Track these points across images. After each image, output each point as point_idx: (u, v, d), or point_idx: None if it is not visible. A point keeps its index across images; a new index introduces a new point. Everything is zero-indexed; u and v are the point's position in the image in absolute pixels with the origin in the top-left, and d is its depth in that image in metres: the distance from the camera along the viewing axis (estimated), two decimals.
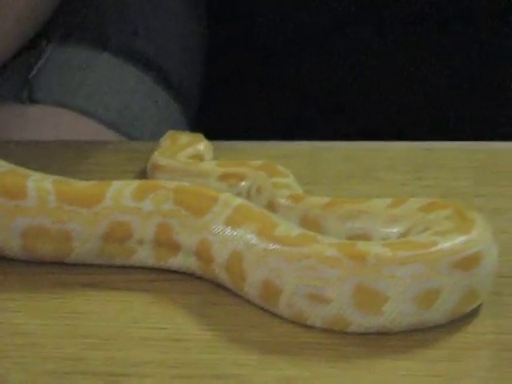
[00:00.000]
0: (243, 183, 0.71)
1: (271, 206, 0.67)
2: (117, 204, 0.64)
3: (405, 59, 1.32)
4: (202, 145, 0.80)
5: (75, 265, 0.66)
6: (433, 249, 0.58)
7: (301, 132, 1.09)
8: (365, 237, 0.64)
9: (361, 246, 0.59)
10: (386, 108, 1.27)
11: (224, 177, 0.72)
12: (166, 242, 0.64)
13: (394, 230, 0.64)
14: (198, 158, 0.79)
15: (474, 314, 0.60)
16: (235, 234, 0.61)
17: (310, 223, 0.64)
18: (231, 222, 0.62)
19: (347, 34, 1.26)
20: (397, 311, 0.58)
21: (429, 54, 1.34)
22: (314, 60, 1.23)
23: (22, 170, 0.67)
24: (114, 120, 1.00)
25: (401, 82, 1.30)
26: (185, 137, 0.81)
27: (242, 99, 1.20)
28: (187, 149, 0.79)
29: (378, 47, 1.32)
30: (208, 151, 0.81)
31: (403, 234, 0.63)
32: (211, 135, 0.95)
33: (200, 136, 0.81)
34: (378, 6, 1.31)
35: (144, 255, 0.65)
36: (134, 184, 0.66)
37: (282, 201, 0.67)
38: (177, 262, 0.64)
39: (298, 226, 0.63)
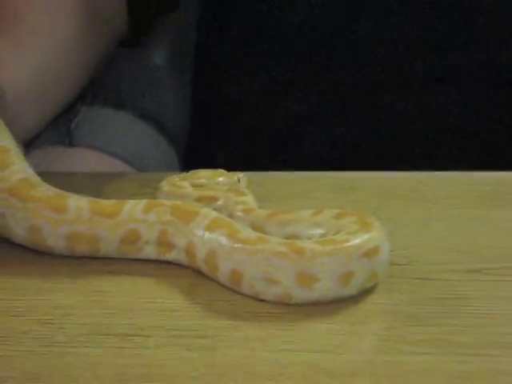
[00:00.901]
0: (217, 203, 0.71)
1: (232, 217, 0.67)
2: (130, 216, 0.65)
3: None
4: (221, 178, 0.77)
5: (101, 258, 0.66)
6: (347, 244, 0.60)
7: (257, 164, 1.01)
8: (295, 237, 0.64)
9: (299, 243, 0.60)
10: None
11: (199, 199, 0.71)
12: (164, 243, 0.65)
13: (316, 232, 0.65)
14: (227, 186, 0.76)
15: (374, 289, 0.61)
16: (211, 237, 0.62)
17: (257, 229, 0.64)
18: (208, 228, 0.62)
19: (320, 82, 1.12)
20: (325, 288, 0.59)
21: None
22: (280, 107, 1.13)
23: (64, 193, 0.67)
24: (129, 158, 0.99)
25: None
26: (205, 172, 0.78)
27: (218, 140, 1.14)
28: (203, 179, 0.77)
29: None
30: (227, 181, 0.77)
31: (323, 235, 0.64)
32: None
33: (221, 171, 0.78)
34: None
35: (149, 252, 0.66)
36: (143, 202, 0.66)
37: (238, 213, 0.68)
38: (172, 256, 0.65)
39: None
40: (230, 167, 0.80)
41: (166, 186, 0.74)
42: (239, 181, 0.75)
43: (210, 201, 0.71)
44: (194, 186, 0.74)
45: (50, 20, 0.93)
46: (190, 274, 0.64)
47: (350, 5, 1.08)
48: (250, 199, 0.71)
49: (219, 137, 1.12)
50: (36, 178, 0.68)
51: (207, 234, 0.62)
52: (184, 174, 0.78)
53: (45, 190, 0.67)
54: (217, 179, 0.76)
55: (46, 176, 0.69)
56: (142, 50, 1.10)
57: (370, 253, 0.60)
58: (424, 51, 1.08)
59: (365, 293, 0.60)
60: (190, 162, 1.11)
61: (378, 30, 1.08)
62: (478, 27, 1.08)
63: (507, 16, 1.07)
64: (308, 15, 1.08)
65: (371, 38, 1.08)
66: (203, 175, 0.77)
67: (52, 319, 0.58)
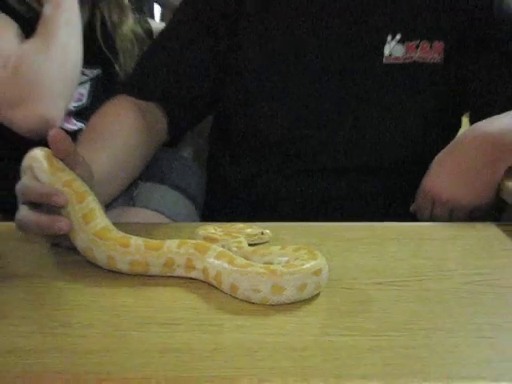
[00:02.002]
0: (218, 243, 0.68)
1: (231, 251, 0.65)
2: (169, 250, 0.64)
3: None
4: (249, 229, 0.73)
5: (150, 275, 0.65)
6: (303, 267, 0.60)
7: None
8: (270, 263, 0.63)
9: (273, 267, 0.60)
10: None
11: (205, 238, 0.69)
12: (189, 266, 0.64)
13: (283, 259, 0.65)
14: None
15: (319, 295, 0.61)
16: (218, 263, 0.62)
17: (246, 258, 0.63)
18: (216, 258, 0.62)
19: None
20: (289, 294, 0.59)
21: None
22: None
23: (128, 235, 0.66)
24: (168, 214, 0.96)
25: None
26: (240, 224, 0.75)
27: (220, 204, 1.08)
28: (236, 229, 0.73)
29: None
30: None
31: (287, 261, 0.64)
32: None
33: (250, 224, 0.75)
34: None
35: (179, 272, 0.64)
36: (177, 241, 0.65)
37: (234, 249, 0.67)
38: (194, 275, 0.64)
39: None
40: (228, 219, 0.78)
41: (200, 230, 0.71)
42: (262, 233, 0.73)
43: (212, 241, 0.68)
44: (226, 232, 0.71)
45: (119, 129, 0.91)
46: (205, 286, 0.63)
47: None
48: (243, 240, 0.69)
49: (221, 202, 1.07)
50: (112, 226, 0.67)
51: (215, 261, 0.62)
52: (225, 224, 0.75)
53: (116, 233, 0.67)
54: (246, 230, 0.73)
55: (118, 225, 0.69)
56: (175, 147, 1.08)
57: (317, 272, 0.60)
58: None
59: (313, 297, 0.61)
60: (205, 216, 1.06)
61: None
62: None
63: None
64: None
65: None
66: (238, 226, 0.74)
67: (119, 313, 0.58)
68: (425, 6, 0.99)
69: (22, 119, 0.96)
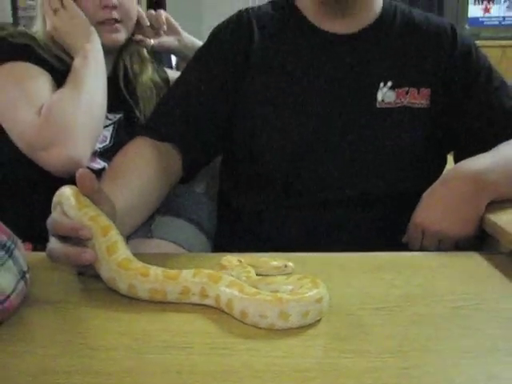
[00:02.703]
0: (228, 271, 0.68)
1: (240, 280, 0.65)
2: (185, 279, 0.64)
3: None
4: (275, 262, 0.72)
5: (168, 302, 0.65)
6: (306, 295, 0.60)
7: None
8: (276, 291, 0.63)
9: (279, 295, 0.61)
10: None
11: (221, 267, 0.69)
12: (203, 294, 0.64)
13: (288, 288, 0.64)
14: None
15: (321, 320, 0.61)
16: (228, 291, 0.62)
17: (254, 287, 0.63)
18: (227, 286, 0.62)
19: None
20: (294, 320, 0.59)
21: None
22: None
23: (148, 265, 0.66)
24: (184, 245, 0.96)
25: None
26: (266, 257, 0.73)
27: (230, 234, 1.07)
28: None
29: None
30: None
31: (292, 290, 0.63)
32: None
33: (276, 257, 0.73)
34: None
35: (194, 299, 0.64)
36: (192, 271, 0.65)
37: (243, 278, 0.66)
38: (207, 302, 0.64)
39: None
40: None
41: (222, 259, 0.71)
42: (286, 266, 0.71)
43: (222, 268, 0.69)
44: (250, 264, 0.70)
45: (139, 168, 0.92)
46: (217, 312, 0.63)
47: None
48: (251, 270, 0.69)
49: (231, 234, 1.06)
50: (133, 258, 0.68)
51: (227, 290, 0.62)
52: (250, 256, 0.74)
53: (137, 264, 0.67)
54: (271, 262, 0.72)
55: (138, 256, 0.69)
56: (189, 184, 1.08)
57: (319, 300, 0.60)
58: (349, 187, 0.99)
59: (316, 322, 0.60)
60: (217, 246, 1.06)
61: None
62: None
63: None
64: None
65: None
66: (263, 259, 0.72)
67: (139, 338, 0.58)
68: (412, 56, 1.01)
69: (53, 160, 0.97)
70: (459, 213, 0.86)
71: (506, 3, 3.45)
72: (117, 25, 1.13)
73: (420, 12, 1.08)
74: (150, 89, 1.22)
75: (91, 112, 1.02)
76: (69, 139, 0.97)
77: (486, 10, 3.46)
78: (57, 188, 0.76)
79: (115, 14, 1.12)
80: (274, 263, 0.72)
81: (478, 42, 3.08)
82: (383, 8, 1.05)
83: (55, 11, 1.10)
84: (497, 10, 3.46)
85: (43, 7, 1.12)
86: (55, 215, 0.70)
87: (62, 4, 1.10)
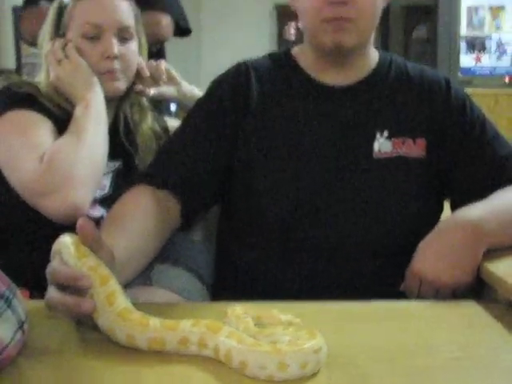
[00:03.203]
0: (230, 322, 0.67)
1: (239, 330, 0.64)
2: (183, 329, 0.64)
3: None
4: (283, 316, 0.70)
5: (166, 352, 0.65)
6: (304, 346, 0.60)
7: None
8: (274, 342, 0.63)
9: (278, 345, 0.61)
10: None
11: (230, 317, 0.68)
12: (202, 344, 0.63)
13: (286, 339, 0.63)
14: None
15: (319, 370, 0.61)
16: (228, 341, 0.61)
17: (253, 337, 0.62)
18: (227, 337, 0.62)
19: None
20: (293, 371, 0.59)
21: None
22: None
23: (147, 315, 0.66)
24: (182, 293, 0.95)
25: None
26: (275, 311, 0.71)
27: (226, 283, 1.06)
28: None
29: None
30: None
31: (290, 340, 0.63)
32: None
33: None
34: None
35: (193, 349, 0.64)
36: (191, 321, 0.65)
37: (241, 329, 0.65)
38: (206, 353, 0.63)
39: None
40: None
41: (229, 308, 0.70)
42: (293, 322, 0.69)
43: (225, 315, 0.69)
44: (258, 315, 0.69)
45: (138, 216, 0.92)
46: (216, 363, 0.62)
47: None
48: (250, 321, 0.68)
49: (229, 282, 1.05)
50: (132, 308, 0.67)
51: (226, 340, 0.62)
52: (258, 306, 0.72)
53: (136, 314, 0.66)
54: (279, 316, 0.70)
55: (137, 304, 0.69)
56: (187, 232, 1.07)
57: (317, 351, 0.60)
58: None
59: (314, 373, 0.60)
60: (215, 295, 1.04)
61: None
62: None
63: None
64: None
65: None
66: (272, 311, 0.71)
67: None
68: (408, 108, 1.03)
69: (54, 206, 0.98)
70: (456, 262, 0.87)
71: (497, 53, 3.54)
72: (117, 74, 1.16)
73: (414, 64, 1.10)
74: (149, 138, 1.24)
75: (92, 160, 1.03)
76: (70, 186, 0.98)
77: (478, 59, 3.54)
78: (55, 235, 0.76)
79: (116, 64, 1.15)
80: (282, 317, 0.70)
81: (470, 90, 3.13)
82: (379, 60, 1.07)
83: (59, 62, 1.13)
84: (487, 60, 3.53)
85: (48, 58, 1.15)
86: (55, 264, 0.71)
87: (66, 55, 1.13)
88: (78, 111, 1.08)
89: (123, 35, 1.16)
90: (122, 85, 1.17)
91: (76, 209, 0.98)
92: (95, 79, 1.13)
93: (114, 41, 1.14)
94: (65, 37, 1.15)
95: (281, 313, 0.71)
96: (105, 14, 1.14)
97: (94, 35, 1.14)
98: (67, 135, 1.04)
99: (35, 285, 0.97)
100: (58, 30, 1.17)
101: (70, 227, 0.87)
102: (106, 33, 1.14)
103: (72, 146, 1.02)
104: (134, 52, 1.19)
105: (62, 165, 0.99)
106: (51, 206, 0.98)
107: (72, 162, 0.99)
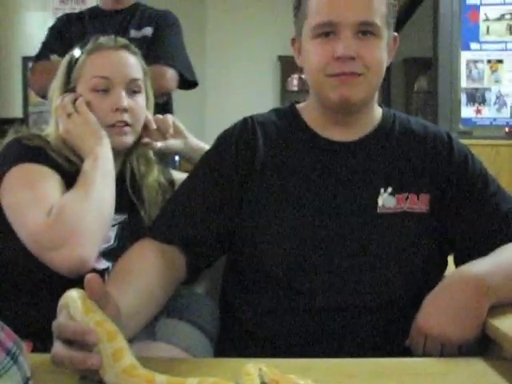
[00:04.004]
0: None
1: None
2: None
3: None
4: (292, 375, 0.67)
5: None
6: None
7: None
8: None
9: None
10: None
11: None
12: None
13: None
14: None
15: None
16: None
17: None
18: None
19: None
20: None
21: None
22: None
23: (152, 372, 0.66)
24: (188, 349, 0.95)
25: None
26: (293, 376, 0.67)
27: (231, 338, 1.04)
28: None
29: None
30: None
31: None
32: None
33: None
34: None
35: None
36: (197, 379, 0.64)
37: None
38: None
39: None
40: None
41: (246, 366, 0.67)
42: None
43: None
44: (274, 378, 0.66)
45: (143, 270, 0.93)
46: None
47: None
48: (255, 378, 0.66)
49: (233, 337, 1.04)
50: (138, 364, 0.67)
51: None
52: (275, 369, 0.68)
53: (142, 371, 0.66)
54: (297, 381, 0.66)
55: (142, 360, 0.68)
56: (191, 285, 1.08)
57: None
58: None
59: None
60: (219, 350, 1.04)
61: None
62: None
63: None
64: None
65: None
66: (289, 376, 0.67)
67: None
68: (411, 163, 1.04)
69: (62, 260, 0.98)
70: (461, 317, 0.86)
71: (496, 106, 3.59)
72: (126, 128, 1.18)
73: (417, 120, 1.12)
74: (155, 190, 1.25)
75: (100, 214, 1.04)
76: (77, 240, 0.98)
77: (478, 111, 3.58)
78: (61, 287, 0.77)
79: (125, 117, 1.17)
80: (301, 382, 0.67)
81: (471, 141, 3.14)
82: (382, 116, 1.09)
83: (69, 115, 1.15)
84: (488, 112, 3.58)
85: (57, 111, 1.17)
86: (61, 318, 0.71)
87: (76, 109, 1.15)
88: (86, 165, 1.09)
89: (132, 88, 1.19)
90: (129, 138, 1.19)
91: (82, 263, 0.98)
92: (104, 133, 1.14)
93: (124, 94, 1.17)
94: (75, 90, 1.17)
95: (299, 378, 0.67)
96: (114, 67, 1.18)
97: (104, 88, 1.16)
98: (75, 189, 1.05)
99: (39, 337, 0.98)
100: (68, 84, 1.19)
101: (75, 280, 0.89)
102: (115, 86, 1.16)
103: (80, 200, 1.03)
104: (141, 105, 1.22)
105: (69, 219, 0.99)
106: (58, 259, 0.98)
107: (79, 216, 1.00)
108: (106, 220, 1.06)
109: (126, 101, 1.16)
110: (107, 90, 1.17)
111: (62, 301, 0.74)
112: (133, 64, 1.21)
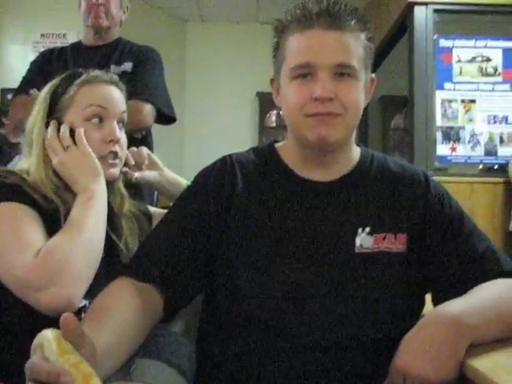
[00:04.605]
0: None
1: None
2: None
3: None
4: None
5: None
6: None
7: None
8: None
9: None
10: None
11: None
12: None
13: None
14: None
15: None
16: None
17: None
18: None
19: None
20: None
21: None
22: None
23: None
24: None
25: None
26: None
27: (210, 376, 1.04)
28: None
29: None
30: None
31: None
32: None
33: None
34: None
35: None
36: None
37: None
38: None
39: None
40: None
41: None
42: None
43: None
44: None
45: (120, 309, 0.91)
46: None
47: None
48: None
49: (210, 377, 1.03)
50: None
51: None
52: None
53: None
54: None
55: None
56: (168, 324, 1.06)
57: None
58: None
59: None
60: None
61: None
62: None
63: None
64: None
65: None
66: None
67: None
68: (389, 203, 1.06)
69: (49, 300, 0.95)
70: (439, 357, 0.86)
71: (470, 144, 3.67)
72: (116, 160, 1.18)
73: (395, 160, 1.14)
74: (131, 221, 1.24)
75: (89, 254, 1.02)
76: (66, 281, 0.96)
77: (453, 149, 3.66)
78: (35, 327, 0.75)
79: (117, 148, 1.18)
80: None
81: (446, 178, 3.20)
82: (360, 156, 1.11)
83: (66, 148, 1.13)
84: (462, 150, 3.66)
85: (51, 144, 1.14)
86: (35, 359, 0.69)
87: (74, 142, 1.13)
88: (79, 203, 1.08)
89: (121, 122, 1.21)
90: (117, 171, 1.20)
91: (70, 302, 0.96)
92: (101, 170, 1.13)
93: (117, 126, 1.18)
94: (60, 121, 1.15)
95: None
96: (108, 100, 1.18)
97: (99, 118, 1.16)
98: (67, 228, 1.03)
99: (11, 378, 0.94)
100: (52, 114, 1.17)
101: (49, 320, 0.86)
102: (109, 117, 1.17)
103: (70, 241, 1.00)
104: (126, 139, 1.23)
105: (58, 258, 0.97)
106: (45, 299, 0.95)
107: (68, 256, 0.98)
108: (95, 260, 1.04)
109: (119, 132, 1.18)
110: (101, 121, 1.17)
111: (36, 341, 0.73)
112: (120, 98, 1.22)
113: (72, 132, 1.14)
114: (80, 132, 1.14)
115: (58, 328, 0.71)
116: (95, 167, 1.13)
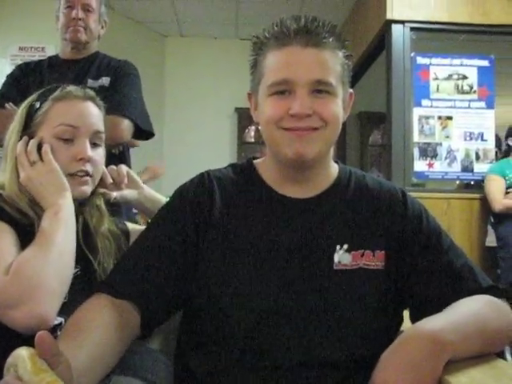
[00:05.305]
0: None
1: None
2: None
3: None
4: None
5: None
6: None
7: None
8: None
9: None
10: None
11: None
12: None
13: None
14: None
15: None
16: None
17: None
18: None
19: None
20: None
21: None
22: None
23: None
24: None
25: None
26: None
27: None
28: None
29: None
30: None
31: None
32: None
33: None
34: None
35: None
36: None
37: None
38: None
39: None
40: None
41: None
42: None
43: None
44: None
45: (96, 327, 0.90)
46: None
47: None
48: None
49: None
50: None
51: None
52: None
53: None
54: None
55: None
56: (145, 341, 1.05)
57: None
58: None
59: None
60: None
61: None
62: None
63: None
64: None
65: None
66: None
67: None
68: (367, 220, 1.06)
69: (21, 318, 0.93)
70: (417, 374, 0.85)
71: (447, 160, 3.73)
72: (87, 178, 1.17)
73: (372, 177, 1.14)
74: (108, 240, 1.23)
75: (60, 269, 1.01)
76: (38, 298, 0.95)
77: (430, 165, 3.71)
78: (9, 345, 0.73)
79: (88, 167, 1.17)
80: None
81: (424, 194, 3.25)
82: (338, 173, 1.11)
83: (32, 163, 1.12)
84: (439, 166, 3.72)
85: (19, 159, 1.13)
86: (8, 379, 0.68)
87: (41, 157, 1.13)
88: (47, 217, 1.07)
89: (95, 140, 1.19)
90: (89, 189, 1.19)
91: (43, 320, 0.94)
92: (67, 185, 1.12)
93: (88, 144, 1.17)
94: (34, 136, 1.15)
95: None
96: (81, 117, 1.17)
97: (69, 137, 1.15)
98: (35, 244, 1.02)
99: None
100: (27, 129, 1.16)
101: (23, 337, 0.85)
102: (80, 136, 1.16)
103: (39, 256, 0.99)
104: (102, 157, 1.22)
105: (29, 275, 0.96)
106: (17, 316, 0.94)
107: (39, 273, 0.97)
108: (66, 276, 1.03)
109: (89, 151, 1.16)
110: (72, 139, 1.16)
111: (10, 360, 0.71)
112: (97, 116, 1.21)
113: (40, 148, 1.14)
114: (46, 148, 1.13)
115: (33, 346, 0.70)
116: (61, 183, 1.12)
